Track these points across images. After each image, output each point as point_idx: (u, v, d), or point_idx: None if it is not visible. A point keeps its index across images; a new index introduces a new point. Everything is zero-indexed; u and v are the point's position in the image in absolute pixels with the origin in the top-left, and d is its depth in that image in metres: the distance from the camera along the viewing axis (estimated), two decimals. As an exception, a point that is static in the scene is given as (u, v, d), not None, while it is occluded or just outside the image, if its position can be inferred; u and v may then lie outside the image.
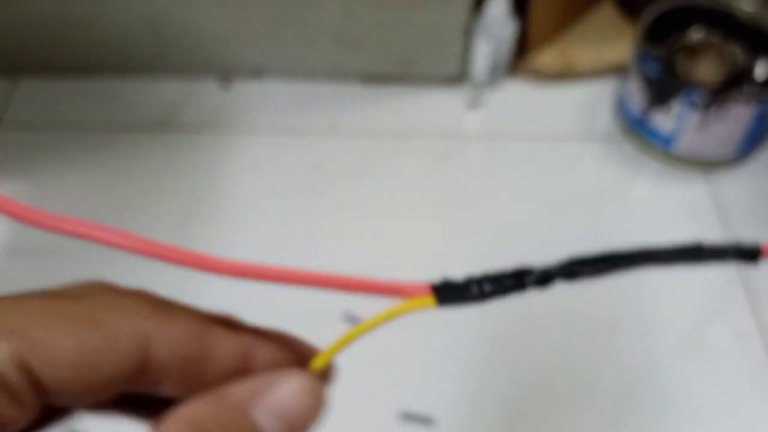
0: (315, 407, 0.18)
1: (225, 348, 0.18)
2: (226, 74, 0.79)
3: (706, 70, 0.72)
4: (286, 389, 0.18)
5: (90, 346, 0.16)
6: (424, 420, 0.55)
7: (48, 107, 0.76)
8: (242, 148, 0.73)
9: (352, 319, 0.56)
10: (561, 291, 0.67)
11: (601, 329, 0.61)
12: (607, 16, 0.83)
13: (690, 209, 0.69)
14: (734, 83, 0.71)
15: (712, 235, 0.67)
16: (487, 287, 0.18)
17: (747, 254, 0.16)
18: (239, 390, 0.17)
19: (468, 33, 0.75)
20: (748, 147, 0.71)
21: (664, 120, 0.70)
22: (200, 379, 0.18)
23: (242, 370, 0.18)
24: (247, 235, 0.66)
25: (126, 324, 0.17)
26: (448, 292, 0.18)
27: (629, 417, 0.56)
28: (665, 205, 0.70)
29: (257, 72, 0.79)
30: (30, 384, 0.15)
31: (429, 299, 0.18)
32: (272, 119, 0.76)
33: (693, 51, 0.71)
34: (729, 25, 0.72)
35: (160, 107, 0.76)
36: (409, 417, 0.55)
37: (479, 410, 0.56)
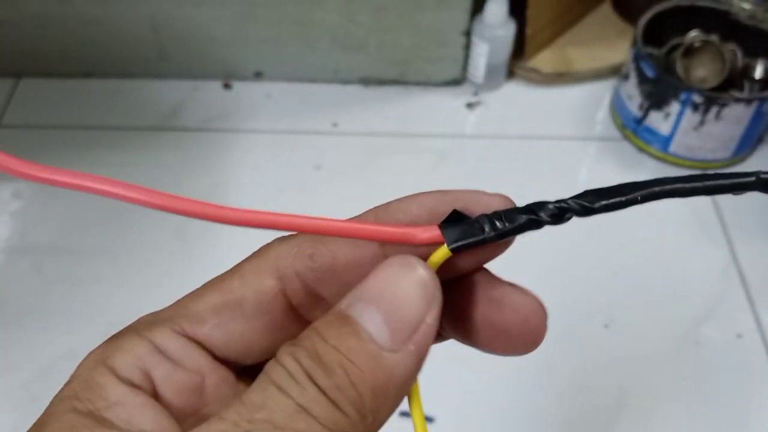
0: (421, 287, 0.16)
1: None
2: (228, 76, 0.79)
3: (704, 70, 0.72)
4: (382, 273, 0.16)
5: (230, 289, 0.17)
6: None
7: (50, 108, 0.77)
8: (244, 148, 0.73)
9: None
10: (560, 290, 0.67)
11: (598, 327, 0.61)
12: (604, 17, 0.84)
13: (688, 209, 0.69)
14: (732, 84, 0.71)
15: (710, 234, 0.67)
16: (500, 224, 0.17)
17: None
18: (343, 299, 0.16)
19: (467, 35, 0.75)
20: (745, 147, 0.71)
21: (661, 120, 0.70)
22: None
23: (380, 252, 0.17)
24: (248, 234, 0.66)
25: (256, 258, 0.17)
26: (458, 231, 0.17)
27: (627, 415, 0.56)
28: (663, 205, 0.70)
29: (259, 74, 0.79)
30: (191, 345, 0.17)
31: (441, 250, 0.17)
32: (274, 120, 0.76)
33: (690, 52, 0.71)
34: (727, 26, 0.72)
35: (163, 108, 0.77)
36: (409, 415, 0.55)
37: (477, 408, 0.56)
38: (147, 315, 0.18)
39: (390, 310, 0.15)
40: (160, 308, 0.18)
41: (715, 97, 0.66)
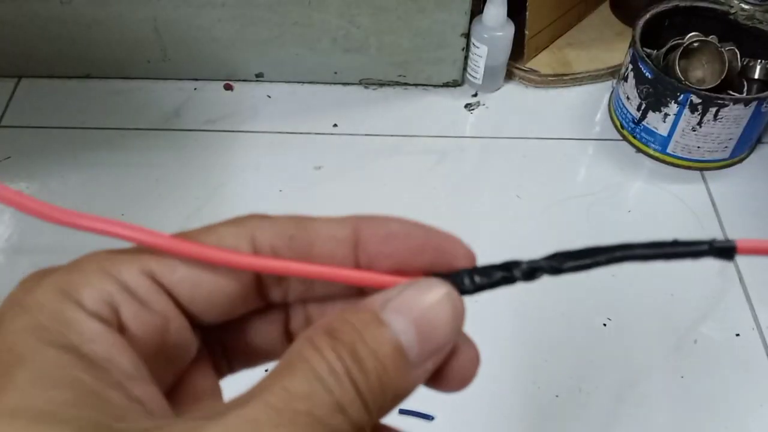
0: (453, 318, 0.17)
1: (327, 230, 0.18)
2: (229, 77, 0.80)
3: (702, 71, 0.72)
4: (422, 294, 0.17)
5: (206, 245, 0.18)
6: (423, 416, 0.55)
7: (50, 108, 0.77)
8: (245, 149, 0.74)
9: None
10: (559, 290, 0.68)
11: (597, 326, 0.61)
12: (603, 19, 0.84)
13: (686, 209, 0.70)
14: (730, 84, 0.71)
15: (709, 234, 0.68)
16: (478, 279, 0.18)
17: (722, 251, 0.17)
18: (376, 297, 0.17)
19: (466, 37, 0.75)
20: (743, 147, 0.72)
21: (659, 121, 0.70)
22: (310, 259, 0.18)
23: (352, 256, 0.18)
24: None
25: (233, 225, 0.18)
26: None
27: (625, 413, 0.57)
28: (661, 204, 0.70)
29: (260, 75, 0.80)
30: (157, 289, 0.17)
31: None
32: (274, 121, 0.76)
33: (689, 53, 0.71)
34: (725, 27, 0.73)
35: (164, 109, 0.77)
36: (409, 413, 0.55)
37: (477, 407, 0.56)
38: (104, 251, 0.17)
39: (424, 330, 0.16)
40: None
41: (713, 97, 0.66)
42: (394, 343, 0.16)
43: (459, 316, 0.17)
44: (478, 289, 0.18)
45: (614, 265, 0.18)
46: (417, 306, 0.16)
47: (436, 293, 0.17)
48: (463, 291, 0.18)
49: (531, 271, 0.18)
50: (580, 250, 0.18)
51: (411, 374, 0.16)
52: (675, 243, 0.18)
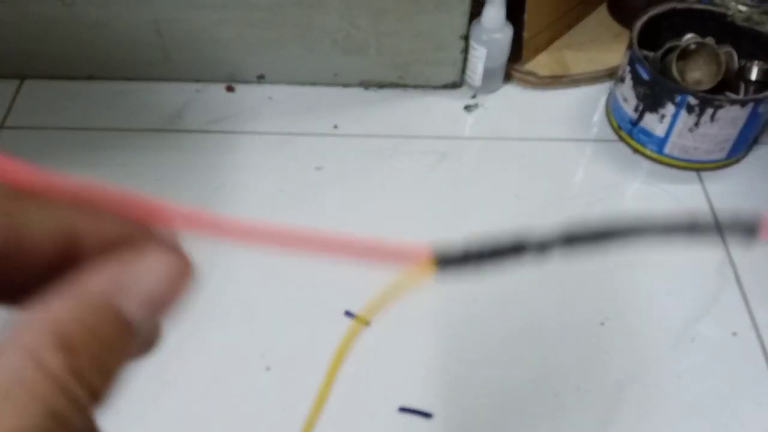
0: (182, 281, 0.16)
1: (39, 224, 0.16)
2: (231, 79, 0.80)
3: (699, 73, 0.72)
4: (151, 270, 0.16)
5: None
6: (422, 414, 0.55)
7: (53, 109, 0.77)
8: (246, 150, 0.74)
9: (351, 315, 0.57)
10: (556, 289, 0.68)
11: (595, 325, 0.61)
12: (600, 20, 0.84)
13: (683, 209, 0.70)
14: (727, 85, 0.71)
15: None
16: (486, 253, 0.18)
17: (746, 229, 0.16)
18: (100, 280, 0.16)
19: (465, 39, 0.76)
20: (740, 148, 0.72)
21: (657, 122, 0.71)
22: (18, 261, 0.16)
23: (67, 251, 0.16)
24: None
25: None
26: (447, 258, 0.18)
27: (623, 412, 0.57)
28: (659, 206, 0.70)
29: (261, 77, 0.80)
30: None
31: (429, 267, 0.18)
32: (275, 122, 0.77)
33: (686, 54, 0.71)
34: (722, 28, 0.73)
35: (166, 110, 0.78)
36: (409, 411, 0.55)
37: (476, 405, 0.57)
38: None
39: (153, 306, 0.16)
40: None
41: (710, 99, 0.67)
42: (124, 324, 0.15)
43: (188, 277, 0.17)
44: (485, 263, 0.18)
45: (630, 242, 0.17)
46: (151, 287, 0.16)
47: (164, 264, 0.16)
48: (470, 265, 0.18)
49: (542, 246, 0.18)
50: (594, 226, 0.18)
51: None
52: (693, 221, 0.17)
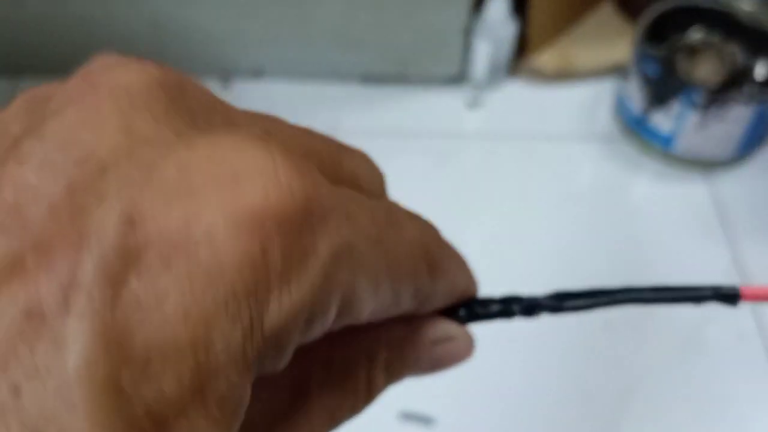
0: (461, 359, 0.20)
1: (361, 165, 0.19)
2: (227, 74, 0.79)
3: (706, 70, 0.72)
4: (450, 345, 0.19)
5: None
6: (424, 419, 0.55)
7: (49, 107, 0.77)
8: (243, 148, 0.73)
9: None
10: (559, 289, 0.67)
11: (599, 328, 0.61)
12: (606, 16, 0.83)
13: (689, 209, 0.69)
14: (734, 83, 0.71)
15: (712, 235, 0.67)
16: (477, 310, 0.19)
17: (726, 297, 0.17)
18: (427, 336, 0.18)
19: (468, 33, 0.75)
20: (747, 147, 0.71)
21: (663, 120, 0.70)
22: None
23: None
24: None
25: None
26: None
27: (628, 417, 0.56)
28: (665, 205, 0.70)
29: (258, 72, 0.79)
30: None
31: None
32: (273, 119, 0.76)
33: (693, 51, 0.71)
34: (729, 25, 0.72)
35: (161, 107, 0.77)
36: (410, 416, 0.55)
37: (478, 410, 0.56)
38: None
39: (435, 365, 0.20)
40: None
41: (717, 97, 0.66)
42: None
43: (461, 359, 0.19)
44: (473, 320, 0.19)
45: (615, 306, 0.18)
46: (444, 354, 0.19)
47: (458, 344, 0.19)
48: (460, 320, 0.19)
49: (530, 307, 0.18)
50: (582, 290, 0.18)
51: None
52: (679, 287, 0.18)
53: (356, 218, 0.13)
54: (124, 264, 0.10)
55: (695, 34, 0.72)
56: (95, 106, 0.11)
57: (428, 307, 0.16)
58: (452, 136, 0.75)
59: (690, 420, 0.56)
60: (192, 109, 0.12)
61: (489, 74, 0.77)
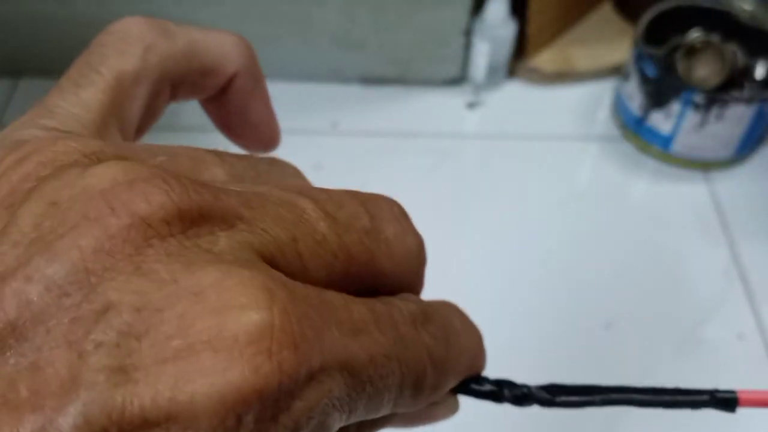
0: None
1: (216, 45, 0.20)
2: (226, 75, 0.79)
3: (705, 70, 0.72)
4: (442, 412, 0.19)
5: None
6: (424, 419, 0.55)
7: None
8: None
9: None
10: (561, 291, 0.67)
11: (599, 328, 0.61)
12: (605, 16, 0.83)
13: (689, 209, 0.69)
14: (733, 83, 0.71)
15: (711, 235, 0.67)
16: (471, 386, 0.18)
17: (723, 402, 0.17)
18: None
19: (467, 34, 0.75)
20: (746, 147, 0.71)
21: (662, 120, 0.70)
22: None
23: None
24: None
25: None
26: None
27: (628, 417, 0.56)
28: (664, 204, 0.70)
29: (258, 73, 0.79)
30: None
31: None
32: (273, 120, 0.76)
33: (692, 51, 0.71)
34: (728, 25, 0.72)
35: (161, 108, 0.77)
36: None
37: (478, 410, 0.56)
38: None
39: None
40: None
41: (716, 97, 0.66)
42: None
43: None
44: (464, 393, 0.18)
45: (608, 406, 0.17)
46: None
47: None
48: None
49: (521, 397, 0.18)
50: (577, 386, 0.18)
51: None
52: (675, 391, 0.17)
53: (354, 364, 0.13)
54: (107, 418, 0.10)
55: (694, 35, 0.72)
56: (110, 236, 0.11)
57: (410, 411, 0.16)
58: (452, 136, 0.75)
59: (690, 420, 0.56)
60: (213, 229, 0.12)
61: (488, 75, 0.76)
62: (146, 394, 0.10)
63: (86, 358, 0.10)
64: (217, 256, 0.12)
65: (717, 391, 0.17)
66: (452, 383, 0.16)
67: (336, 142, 0.74)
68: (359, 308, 0.13)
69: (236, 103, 0.20)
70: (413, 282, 0.16)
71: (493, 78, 0.77)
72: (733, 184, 0.71)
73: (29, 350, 0.10)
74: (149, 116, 0.18)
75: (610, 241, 0.67)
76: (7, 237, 0.11)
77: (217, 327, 0.11)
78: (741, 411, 0.61)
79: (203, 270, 0.11)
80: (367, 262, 0.14)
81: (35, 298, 0.11)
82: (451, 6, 0.72)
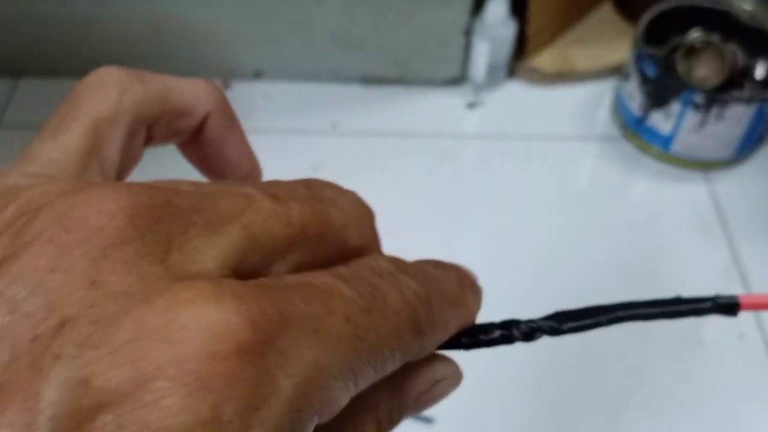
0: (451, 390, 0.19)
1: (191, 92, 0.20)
2: (227, 75, 0.79)
3: (706, 70, 0.72)
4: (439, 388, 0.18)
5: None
6: (424, 419, 0.55)
7: (50, 107, 0.76)
8: (243, 148, 0.73)
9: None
10: (560, 291, 0.67)
11: (599, 328, 0.61)
12: (605, 16, 0.83)
13: (689, 209, 0.69)
14: (733, 83, 0.71)
15: (711, 235, 0.67)
16: (480, 336, 0.18)
17: (725, 308, 0.17)
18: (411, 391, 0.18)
19: (467, 34, 0.75)
20: (746, 147, 0.71)
21: (662, 120, 0.70)
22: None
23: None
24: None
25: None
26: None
27: (628, 417, 0.56)
28: (664, 205, 0.70)
29: (258, 73, 0.79)
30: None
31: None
32: (273, 120, 0.76)
33: (692, 51, 0.71)
34: (728, 25, 0.72)
35: (161, 108, 0.77)
36: (410, 416, 0.55)
37: (479, 409, 0.56)
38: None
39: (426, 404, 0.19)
40: None
41: (716, 97, 0.66)
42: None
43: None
44: (476, 347, 0.18)
45: (616, 324, 0.18)
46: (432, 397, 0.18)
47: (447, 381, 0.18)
48: (458, 345, 0.18)
49: (530, 331, 0.18)
50: (581, 309, 0.18)
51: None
52: (678, 300, 0.18)
53: (326, 328, 0.13)
54: (76, 426, 0.10)
55: (694, 35, 0.72)
56: (67, 250, 0.12)
57: (420, 356, 0.16)
58: (452, 136, 0.75)
59: (690, 419, 0.56)
60: (168, 234, 0.13)
61: (488, 75, 0.76)
62: (110, 397, 0.11)
63: (46, 374, 0.11)
64: (170, 267, 0.12)
65: (719, 297, 0.17)
66: (451, 321, 0.17)
67: (336, 142, 0.74)
68: (321, 277, 0.14)
69: (213, 143, 0.21)
70: (371, 236, 0.17)
71: (493, 78, 0.77)
72: (733, 184, 0.71)
73: None
74: (128, 158, 0.19)
75: (610, 240, 0.67)
76: None
77: (169, 322, 0.11)
78: (741, 411, 0.61)
79: (156, 283, 0.12)
80: (320, 221, 0.15)
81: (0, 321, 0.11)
82: (451, 6, 0.72)
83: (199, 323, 0.11)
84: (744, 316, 0.62)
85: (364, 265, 0.15)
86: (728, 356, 0.60)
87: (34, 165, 0.16)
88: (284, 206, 0.14)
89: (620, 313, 0.18)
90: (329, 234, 0.15)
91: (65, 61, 0.78)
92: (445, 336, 0.17)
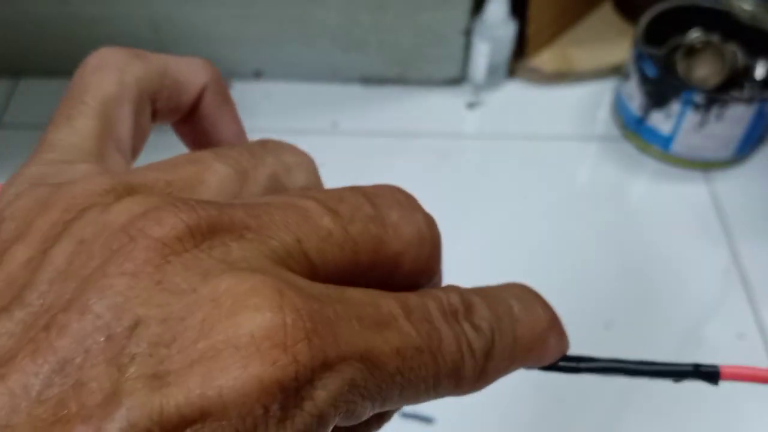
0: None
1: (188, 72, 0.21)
2: (227, 75, 0.79)
3: (705, 70, 0.72)
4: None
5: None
6: (424, 419, 0.55)
7: (50, 108, 0.76)
8: (243, 148, 0.73)
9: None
10: (561, 291, 0.67)
11: (599, 328, 0.61)
12: (606, 17, 0.83)
13: (689, 209, 0.69)
14: (733, 83, 0.71)
15: (711, 235, 0.67)
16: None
17: (707, 375, 0.17)
18: None
19: (467, 34, 0.75)
20: (746, 147, 0.71)
21: (662, 120, 0.70)
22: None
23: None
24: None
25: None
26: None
27: (628, 416, 0.56)
28: (664, 204, 0.70)
29: (258, 73, 0.79)
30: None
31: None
32: (273, 120, 0.76)
33: (692, 51, 0.71)
34: (728, 25, 0.72)
35: (161, 108, 0.77)
36: (410, 416, 0.55)
37: (477, 410, 0.56)
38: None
39: None
40: None
41: (716, 97, 0.66)
42: None
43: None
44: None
45: (604, 375, 0.18)
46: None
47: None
48: None
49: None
50: (575, 357, 0.19)
51: None
52: (662, 364, 0.18)
53: (375, 356, 0.13)
54: (149, 420, 0.11)
55: (694, 35, 0.72)
56: (131, 260, 0.13)
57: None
58: (452, 136, 0.75)
59: (690, 419, 0.56)
60: (224, 240, 0.13)
61: (488, 75, 0.76)
62: (180, 394, 0.12)
63: (124, 370, 0.12)
64: (231, 264, 0.13)
65: (700, 365, 0.18)
66: (510, 368, 0.17)
67: (336, 142, 0.74)
68: (388, 302, 0.14)
69: (207, 121, 0.21)
70: (430, 263, 0.17)
71: (493, 78, 0.77)
72: (733, 184, 0.71)
73: (72, 370, 0.12)
74: (139, 135, 0.20)
75: (610, 240, 0.67)
76: (43, 275, 0.13)
77: (235, 327, 0.12)
78: (741, 411, 0.61)
79: (218, 278, 0.12)
80: (375, 248, 0.15)
81: (75, 325, 0.12)
82: (451, 6, 0.72)
83: (261, 330, 0.12)
84: (744, 316, 0.62)
85: (433, 299, 0.15)
86: (728, 356, 0.60)
87: (55, 152, 0.17)
88: (341, 228, 0.14)
89: (605, 365, 0.19)
90: (380, 262, 0.15)
91: (65, 61, 0.78)
92: (492, 382, 0.17)
